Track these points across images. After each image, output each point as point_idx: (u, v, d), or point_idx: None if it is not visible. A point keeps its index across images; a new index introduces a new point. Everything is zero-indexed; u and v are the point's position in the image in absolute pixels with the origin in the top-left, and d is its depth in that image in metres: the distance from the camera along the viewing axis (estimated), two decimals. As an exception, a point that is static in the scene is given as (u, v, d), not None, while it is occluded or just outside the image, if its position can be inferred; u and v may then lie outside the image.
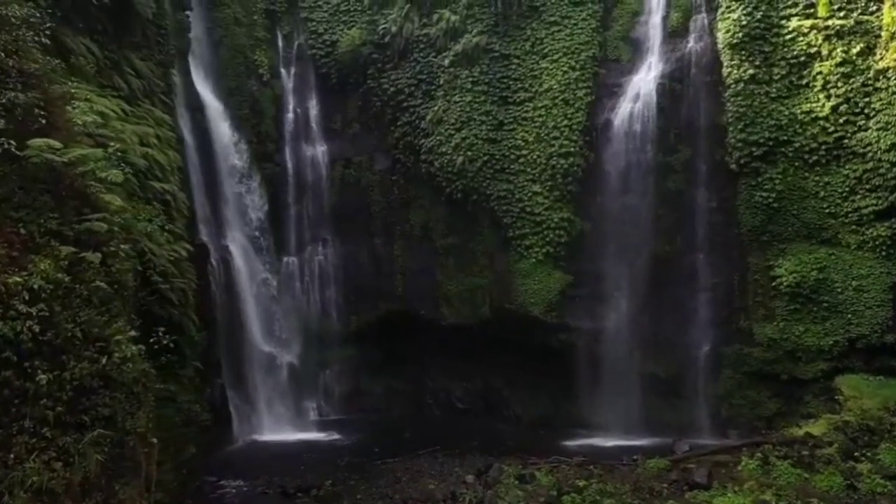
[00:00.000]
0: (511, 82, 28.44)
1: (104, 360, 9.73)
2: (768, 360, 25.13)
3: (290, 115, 31.75)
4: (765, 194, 25.04)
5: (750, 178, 25.29)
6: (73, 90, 12.62)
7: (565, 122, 27.38)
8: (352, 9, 31.28)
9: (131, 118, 19.74)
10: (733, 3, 25.60)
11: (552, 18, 28.39)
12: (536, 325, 27.52)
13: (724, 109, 25.61)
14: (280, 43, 31.82)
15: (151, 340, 11.92)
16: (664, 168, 26.54)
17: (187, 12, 27.14)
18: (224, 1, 29.75)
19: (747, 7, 25.31)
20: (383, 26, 30.31)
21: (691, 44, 26.67)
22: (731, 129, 25.38)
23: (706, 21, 26.55)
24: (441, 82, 29.23)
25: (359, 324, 30.95)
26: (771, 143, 24.89)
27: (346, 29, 31.05)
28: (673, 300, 26.37)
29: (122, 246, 10.92)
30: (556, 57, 28.01)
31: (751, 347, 25.46)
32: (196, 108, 26.83)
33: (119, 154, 12.13)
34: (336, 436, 27.34)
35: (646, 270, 26.57)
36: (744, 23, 25.21)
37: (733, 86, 25.32)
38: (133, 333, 10.30)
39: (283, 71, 31.81)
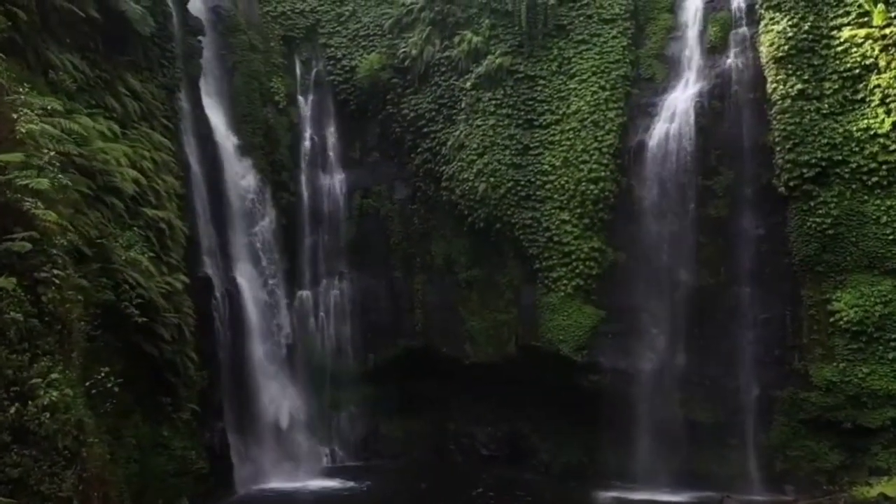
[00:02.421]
0: (537, 104, 27.04)
1: (13, 409, 7.96)
2: (828, 406, 22.37)
3: (307, 143, 30.63)
4: (818, 220, 22.66)
5: (801, 202, 23.00)
6: (26, 98, 11.18)
7: (595, 144, 25.68)
8: (371, 33, 30.49)
9: (123, 140, 18.48)
10: (777, 14, 23.70)
11: (580, 37, 27.02)
12: (566, 364, 25.49)
13: (771, 128, 23.62)
14: (298, 69, 31.02)
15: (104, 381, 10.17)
16: (705, 192, 24.59)
17: (199, 37, 26.23)
18: (239, 27, 28.97)
19: (793, 18, 23.35)
20: (403, 50, 29.28)
21: (731, 59, 24.88)
22: (778, 149, 23.32)
23: (748, 34, 24.79)
24: (463, 106, 28.00)
25: (376, 362, 29.33)
26: (824, 164, 22.63)
27: (366, 54, 30.20)
28: (717, 338, 24.13)
29: (57, 272, 9.22)
30: (584, 77, 26.51)
31: (807, 391, 22.78)
32: (205, 135, 25.70)
33: (58, 162, 10.53)
34: (349, 484, 25.28)
35: (686, 305, 24.50)
36: (790, 34, 23.26)
37: (780, 102, 23.32)
38: (56, 375, 8.52)
39: (300, 98, 30.81)
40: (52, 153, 10.06)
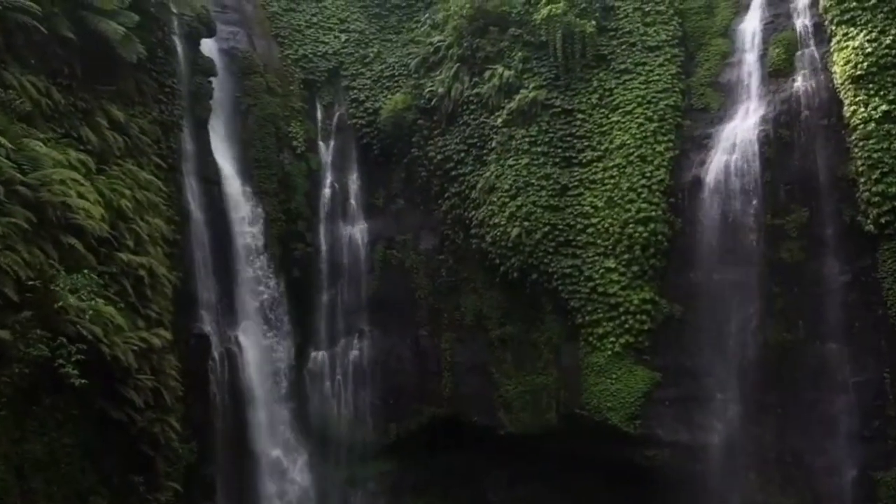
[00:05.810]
0: (575, 140, 24.76)
1: None
2: (949, 492, 18.29)
3: (327, 191, 28.46)
4: (919, 263, 19.10)
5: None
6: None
7: (643, 181, 23.08)
8: (396, 74, 28.94)
9: (98, 176, 16.32)
10: (852, 28, 20.96)
11: (623, 66, 24.96)
12: (616, 436, 22.52)
13: (852, 157, 20.64)
14: (319, 114, 29.27)
15: None
16: (775, 233, 21.55)
17: (210, 78, 24.61)
18: (256, 69, 27.38)
19: (871, 32, 20.58)
20: (430, 89, 27.46)
21: (799, 82, 22.23)
22: (863, 180, 20.24)
23: (817, 54, 22.28)
24: (494, 145, 25.78)
25: (399, 432, 26.38)
26: (921, 196, 19.23)
27: (390, 95, 28.34)
28: (801, 406, 20.68)
29: None
30: (629, 108, 24.28)
31: (920, 473, 18.77)
32: (212, 180, 23.80)
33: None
34: (364, 577, 21.89)
35: (758, 366, 21.34)
36: (869, 50, 20.48)
37: (861, 127, 20.35)
38: None
39: (321, 143, 28.88)
40: None
